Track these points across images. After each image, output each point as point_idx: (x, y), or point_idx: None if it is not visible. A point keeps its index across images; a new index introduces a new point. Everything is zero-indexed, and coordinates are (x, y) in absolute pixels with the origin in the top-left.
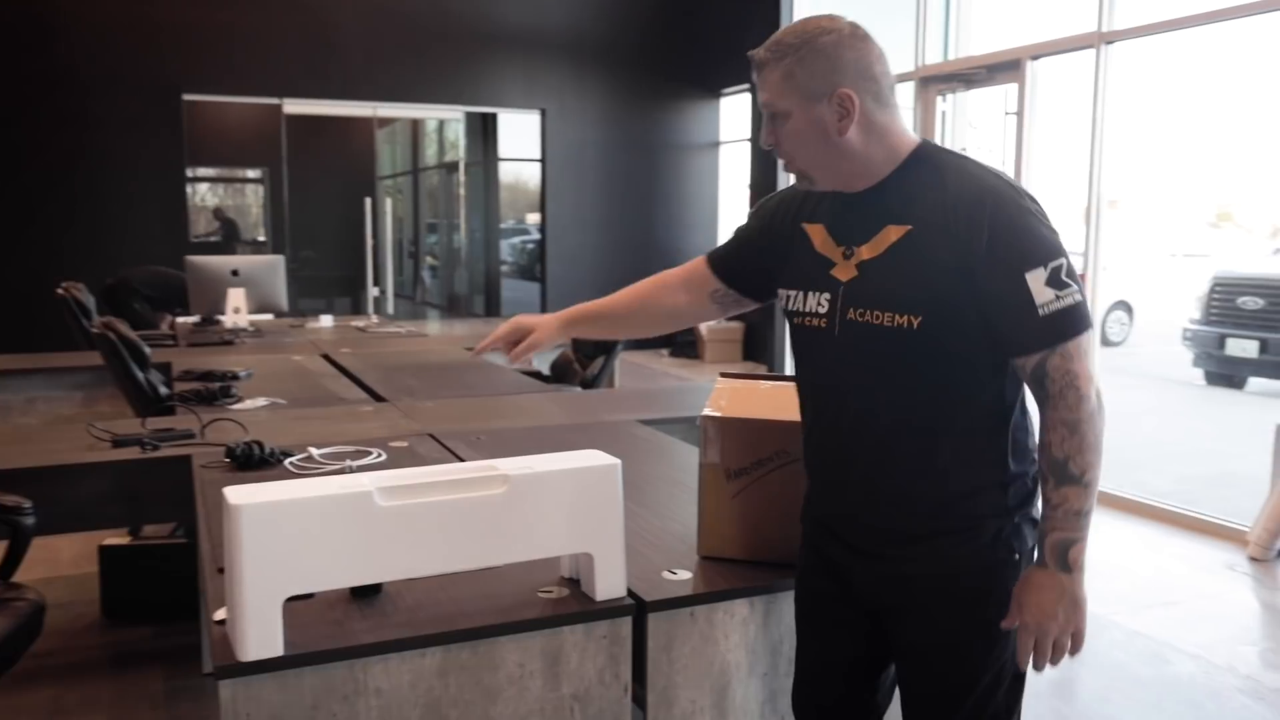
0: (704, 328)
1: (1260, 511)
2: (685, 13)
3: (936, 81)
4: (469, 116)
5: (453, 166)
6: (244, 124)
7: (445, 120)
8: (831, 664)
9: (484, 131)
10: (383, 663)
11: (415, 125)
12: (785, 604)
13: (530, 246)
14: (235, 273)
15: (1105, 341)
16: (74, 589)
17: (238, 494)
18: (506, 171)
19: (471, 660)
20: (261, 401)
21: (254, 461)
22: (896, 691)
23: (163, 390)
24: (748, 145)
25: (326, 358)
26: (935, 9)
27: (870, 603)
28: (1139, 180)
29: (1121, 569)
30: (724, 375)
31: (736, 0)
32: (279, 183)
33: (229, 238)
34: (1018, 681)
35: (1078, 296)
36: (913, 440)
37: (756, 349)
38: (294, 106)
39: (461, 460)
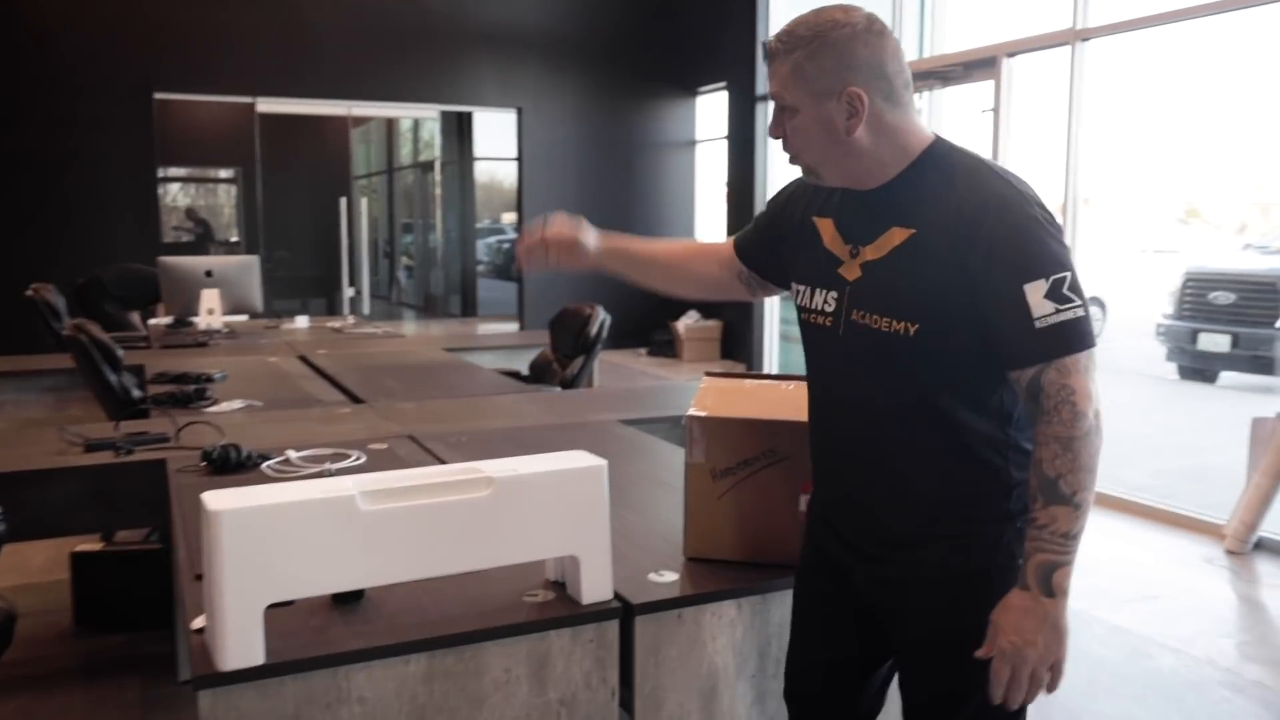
0: (682, 327)
1: (1236, 505)
2: (661, 11)
3: (914, 79)
4: (444, 115)
5: (428, 166)
6: (216, 123)
7: (420, 119)
8: (823, 661)
9: (459, 130)
10: (366, 670)
11: (390, 124)
12: (773, 605)
13: (506, 246)
14: (209, 273)
15: None
16: (45, 597)
17: (216, 499)
18: (482, 171)
19: (457, 666)
20: (237, 404)
21: (231, 465)
22: (895, 694)
23: (136, 393)
24: (724, 144)
25: (303, 359)
26: (911, 6)
27: (869, 604)
28: (1109, 177)
29: (1101, 563)
30: (709, 374)
31: None
32: (252, 182)
33: (202, 238)
34: None
35: (1080, 312)
36: (911, 444)
37: (735, 348)
38: (267, 105)
39: (443, 462)
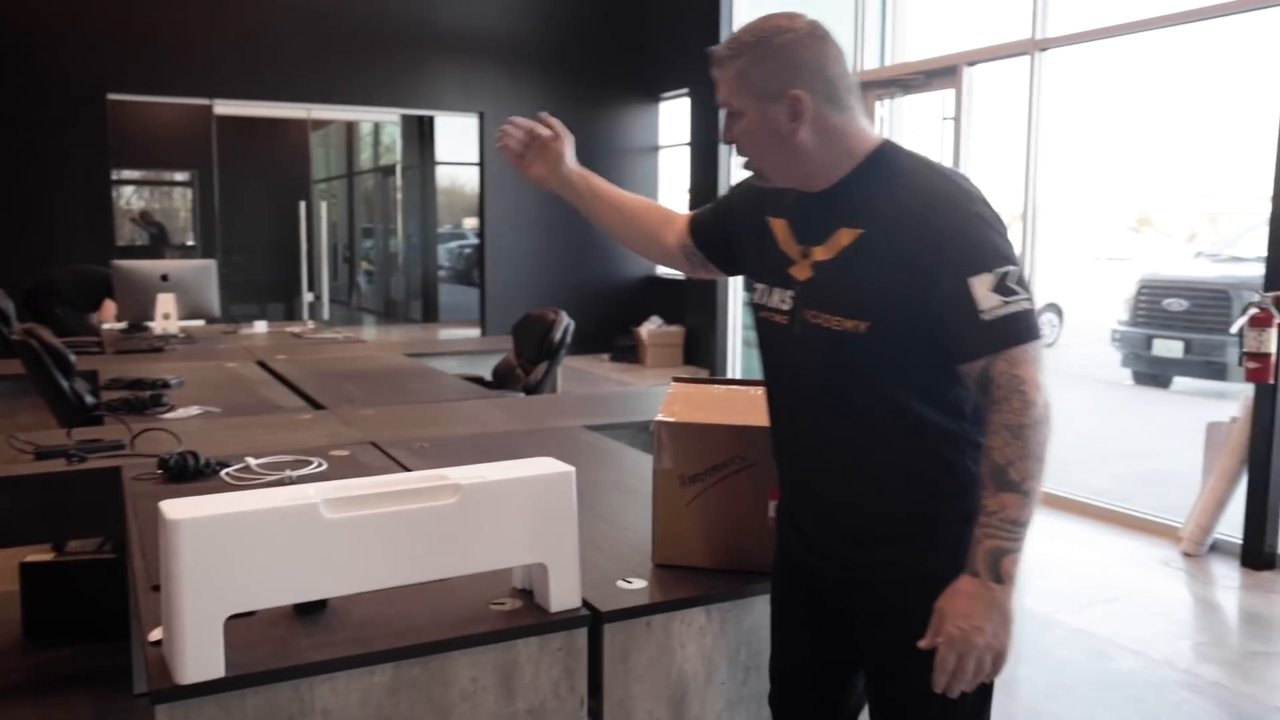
0: (645, 332)
1: (1192, 509)
2: (624, 16)
3: (875, 87)
4: (405, 119)
5: (389, 170)
6: (172, 125)
7: (381, 123)
8: (802, 665)
9: (421, 135)
10: (330, 682)
11: (350, 128)
12: (743, 611)
13: (468, 251)
14: (165, 277)
15: None
16: None
17: (174, 508)
18: (444, 175)
19: (422, 677)
20: (194, 410)
21: (189, 473)
22: None
23: (89, 399)
24: (687, 149)
25: (262, 364)
26: (873, 14)
27: (837, 605)
28: (1063, 186)
29: (1062, 567)
30: (677, 380)
31: (675, 4)
32: (209, 186)
33: (156, 241)
34: (985, 689)
35: (1026, 304)
36: (867, 443)
37: (698, 353)
38: (225, 107)
39: (407, 470)
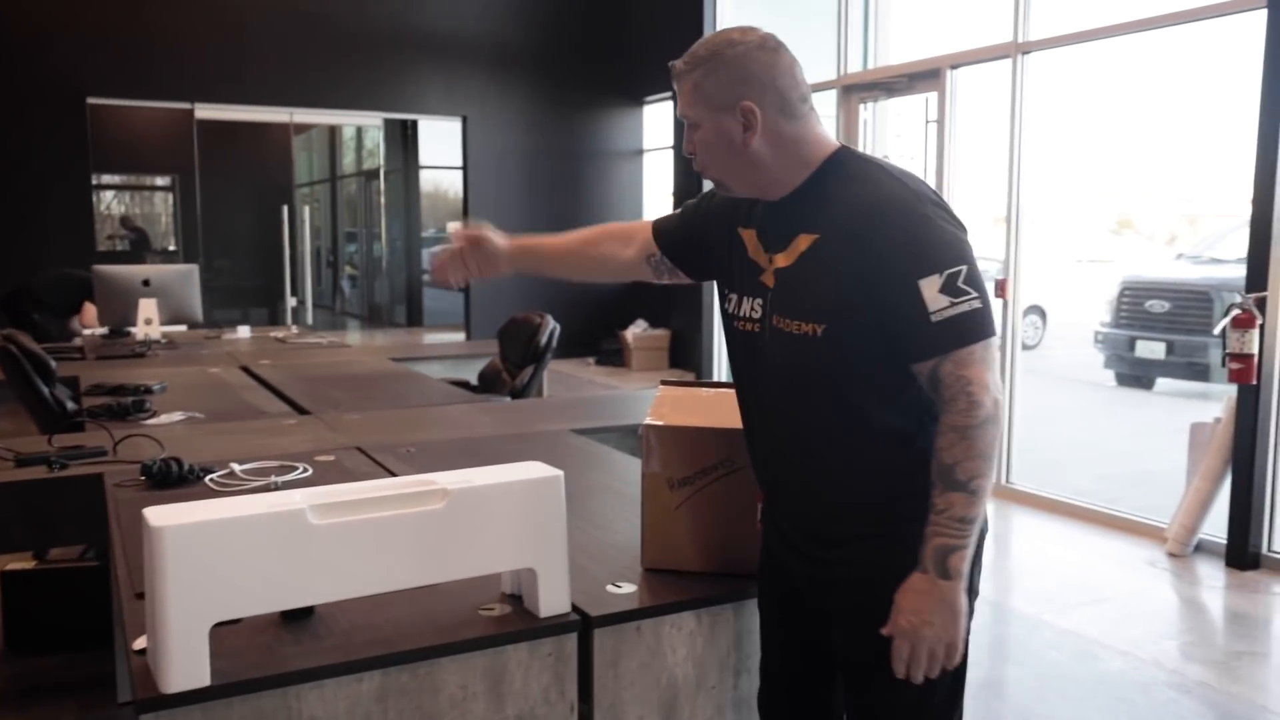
0: (630, 335)
1: (1177, 509)
2: (607, 20)
3: (858, 90)
4: (388, 123)
5: (372, 174)
6: (153, 129)
7: (364, 127)
8: (786, 665)
9: (404, 139)
10: (318, 689)
11: (333, 132)
12: (733, 615)
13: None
14: (146, 283)
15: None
16: None
17: (159, 515)
18: (427, 179)
19: (411, 684)
20: (178, 416)
21: (172, 479)
22: None
23: (70, 406)
24: (671, 153)
25: (245, 370)
26: (856, 18)
27: (815, 604)
28: (1044, 188)
29: (1049, 568)
30: (665, 383)
31: (659, 8)
32: (191, 190)
33: (137, 246)
34: (956, 686)
35: (976, 304)
36: (830, 444)
37: (683, 356)
38: (206, 111)
39: (393, 475)
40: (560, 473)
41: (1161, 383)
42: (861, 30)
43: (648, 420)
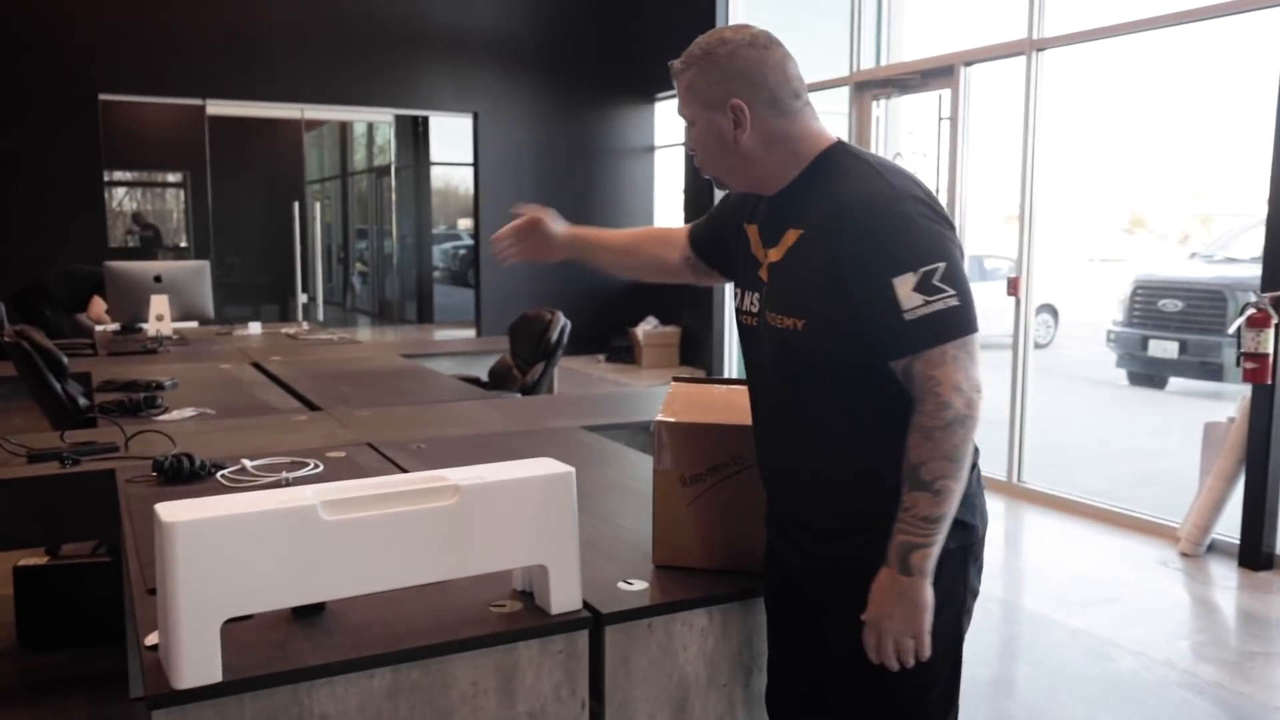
0: (640, 332)
1: (1190, 509)
2: (619, 16)
3: (871, 87)
4: (399, 120)
5: (383, 171)
6: (165, 126)
7: (375, 123)
8: (793, 660)
9: (415, 135)
10: (329, 686)
11: (344, 128)
12: (744, 613)
13: (463, 252)
14: (158, 279)
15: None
16: None
17: (170, 510)
18: (438, 176)
19: (422, 680)
20: (189, 412)
21: (184, 475)
22: None
23: (82, 401)
24: (682, 150)
25: (256, 366)
26: (869, 14)
27: (811, 599)
28: (1057, 186)
29: (1060, 567)
30: (677, 380)
31: (671, 4)
32: (202, 186)
33: (150, 243)
34: (951, 686)
35: (952, 302)
36: (817, 438)
37: (693, 353)
38: (217, 108)
39: (404, 471)
40: (572, 469)
41: (1174, 382)
42: (874, 27)
43: (660, 417)
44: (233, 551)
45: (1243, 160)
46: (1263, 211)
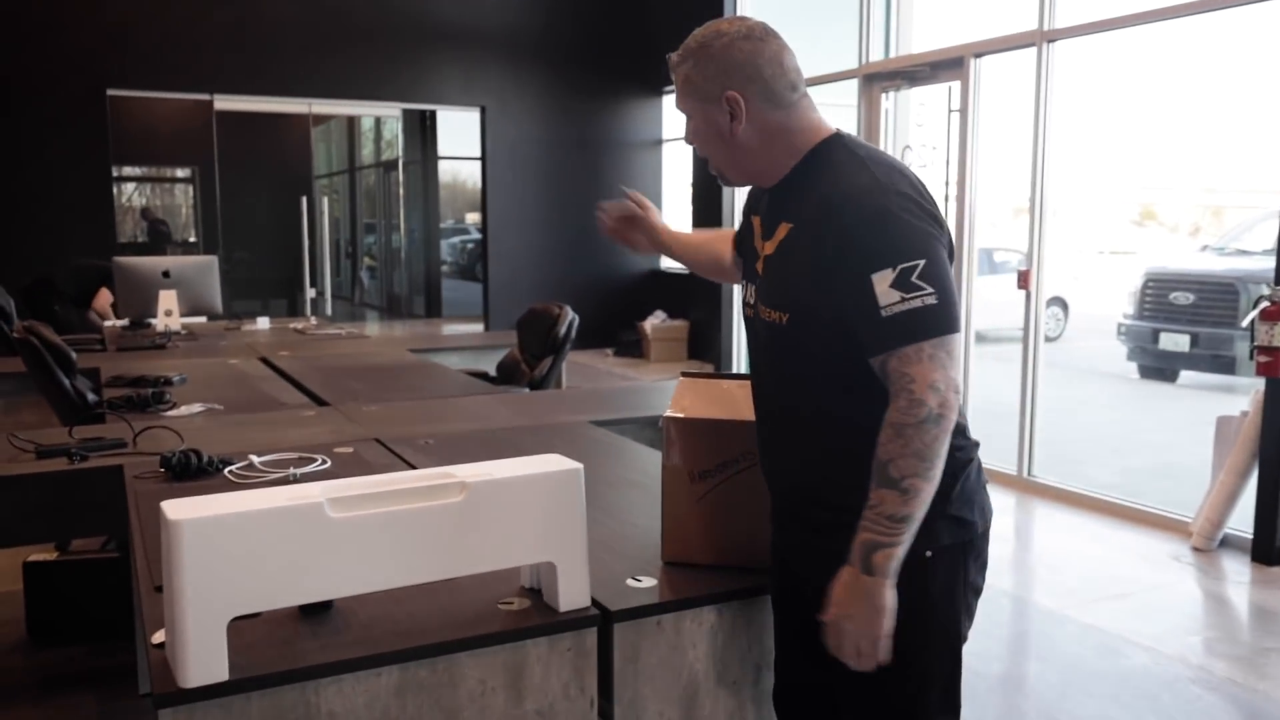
0: (649, 326)
1: (1202, 503)
2: (626, 9)
3: (880, 79)
4: (407, 114)
5: (391, 165)
6: (173, 121)
7: (383, 118)
8: (799, 656)
9: (422, 129)
10: (336, 684)
11: (352, 123)
12: (754, 609)
13: (471, 246)
14: (166, 274)
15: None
16: None
17: (176, 508)
18: (446, 170)
19: (430, 678)
20: (197, 407)
21: (191, 471)
22: None
23: (91, 397)
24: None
25: (264, 361)
26: (878, 6)
27: (810, 594)
28: (1067, 178)
29: (1071, 562)
30: (686, 374)
31: None
32: (210, 182)
33: (158, 238)
34: (952, 685)
35: (930, 300)
36: (804, 432)
37: (702, 347)
38: (225, 103)
39: (412, 467)
40: (580, 465)
41: (1185, 375)
42: (884, 18)
43: (668, 413)
44: (239, 549)
45: (1254, 152)
46: (1275, 204)
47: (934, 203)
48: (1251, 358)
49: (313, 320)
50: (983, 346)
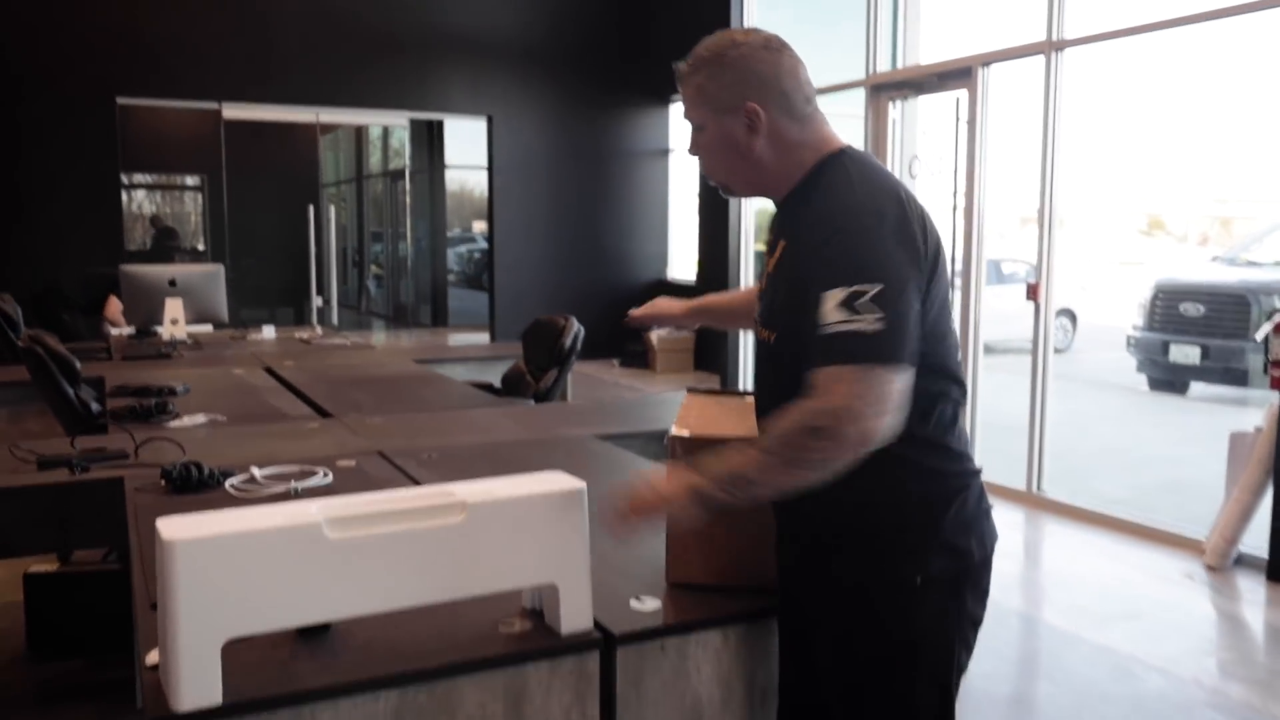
0: (655, 338)
1: (1216, 520)
2: (633, 19)
3: (887, 89)
4: (414, 123)
5: (398, 174)
6: (181, 129)
7: (390, 126)
8: (799, 677)
9: (429, 138)
10: (332, 708)
11: (359, 131)
12: (761, 632)
13: (477, 255)
14: (173, 283)
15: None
16: None
17: (171, 526)
18: (452, 179)
19: (429, 703)
20: (200, 418)
21: (192, 483)
22: None
23: (95, 407)
24: None
25: (269, 371)
26: (885, 15)
27: (808, 612)
28: (1074, 188)
29: (1083, 580)
30: (691, 390)
31: (686, 7)
32: (218, 190)
33: (167, 246)
34: (945, 713)
35: (869, 327)
36: None
37: (708, 359)
38: (233, 111)
39: (414, 481)
40: (583, 484)
41: (1196, 388)
42: (890, 28)
43: (673, 430)
44: (235, 570)
45: (1264, 162)
46: None
47: (926, 227)
48: (1266, 372)
49: (318, 329)
50: (990, 358)
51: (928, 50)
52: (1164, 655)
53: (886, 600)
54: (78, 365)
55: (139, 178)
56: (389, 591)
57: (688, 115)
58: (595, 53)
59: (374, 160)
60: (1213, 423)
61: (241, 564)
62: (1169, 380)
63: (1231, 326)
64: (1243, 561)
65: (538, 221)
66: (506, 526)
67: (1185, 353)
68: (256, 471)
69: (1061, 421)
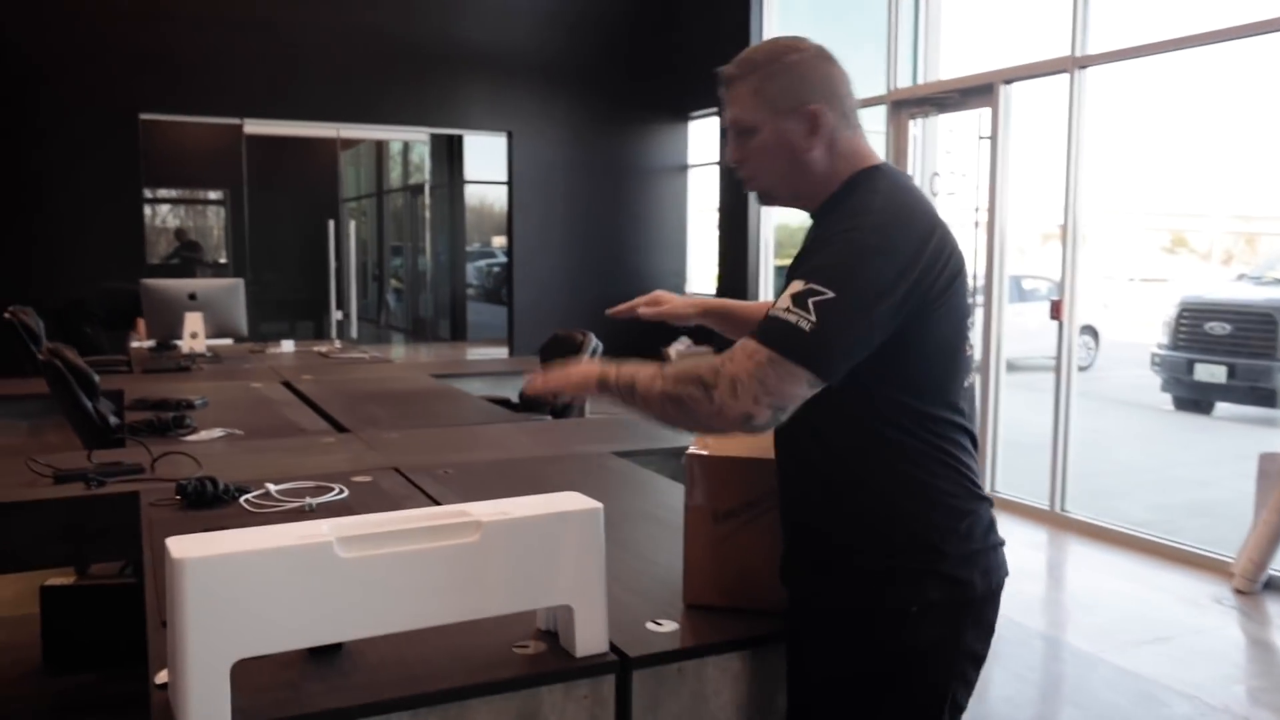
0: (673, 352)
1: (1245, 543)
2: (653, 35)
3: (908, 105)
4: (434, 138)
5: (418, 189)
6: (203, 144)
7: (410, 142)
8: (804, 701)
9: (449, 154)
10: None
11: (380, 147)
12: (780, 656)
13: (496, 270)
14: (193, 296)
15: None
16: (11, 632)
17: (182, 545)
18: (472, 194)
19: None
20: (217, 432)
21: (206, 499)
22: None
23: (113, 420)
24: (716, 169)
25: (287, 385)
26: (906, 32)
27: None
28: (1096, 205)
29: (1108, 603)
30: None
31: (705, 23)
32: (240, 205)
33: (190, 260)
34: None
35: (805, 326)
36: (804, 472)
37: None
38: (255, 127)
39: (429, 497)
40: (600, 505)
41: (1221, 407)
42: (911, 45)
43: (691, 449)
44: (245, 590)
45: None
46: None
47: (946, 249)
48: None
49: (337, 343)
50: (1013, 376)
51: (949, 67)
52: (1192, 681)
53: (881, 626)
54: (96, 379)
55: (162, 192)
56: (401, 612)
57: (737, 119)
58: (614, 69)
59: (394, 175)
60: (1239, 443)
61: (252, 583)
62: (1194, 399)
63: (1258, 345)
64: (1272, 585)
65: (557, 236)
66: (521, 547)
67: (1211, 372)
68: (272, 487)
69: (1085, 440)
